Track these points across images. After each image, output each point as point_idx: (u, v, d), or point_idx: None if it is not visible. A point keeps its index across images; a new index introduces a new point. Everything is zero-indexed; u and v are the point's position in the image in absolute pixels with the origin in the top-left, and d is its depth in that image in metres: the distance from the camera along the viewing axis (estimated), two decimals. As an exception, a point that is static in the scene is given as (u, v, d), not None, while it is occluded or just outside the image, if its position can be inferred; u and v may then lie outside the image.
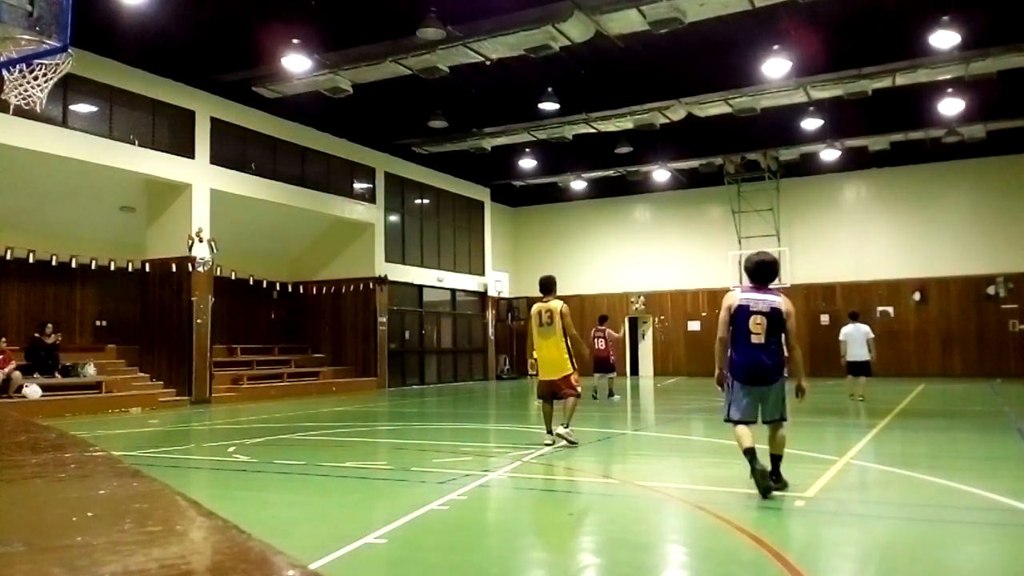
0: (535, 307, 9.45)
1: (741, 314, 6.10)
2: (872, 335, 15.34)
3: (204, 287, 18.01)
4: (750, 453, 5.97)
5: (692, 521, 5.71)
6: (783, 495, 6.12)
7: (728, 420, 6.22)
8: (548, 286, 9.55)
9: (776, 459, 6.21)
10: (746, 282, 6.40)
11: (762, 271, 6.28)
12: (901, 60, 17.34)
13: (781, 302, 6.22)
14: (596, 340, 16.24)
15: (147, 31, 15.09)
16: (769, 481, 5.95)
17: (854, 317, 15.72)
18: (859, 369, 15.20)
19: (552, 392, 9.29)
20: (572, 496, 6.85)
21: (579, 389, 9.24)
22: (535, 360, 9.39)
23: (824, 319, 26.21)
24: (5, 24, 5.28)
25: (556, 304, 9.26)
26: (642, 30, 15.36)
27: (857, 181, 26.50)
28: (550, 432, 9.14)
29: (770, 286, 6.34)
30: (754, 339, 6.07)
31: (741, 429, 6.10)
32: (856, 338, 15.16)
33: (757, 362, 6.10)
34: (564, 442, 8.96)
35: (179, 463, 9.00)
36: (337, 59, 16.62)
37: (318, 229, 23.08)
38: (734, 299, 6.19)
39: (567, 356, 9.12)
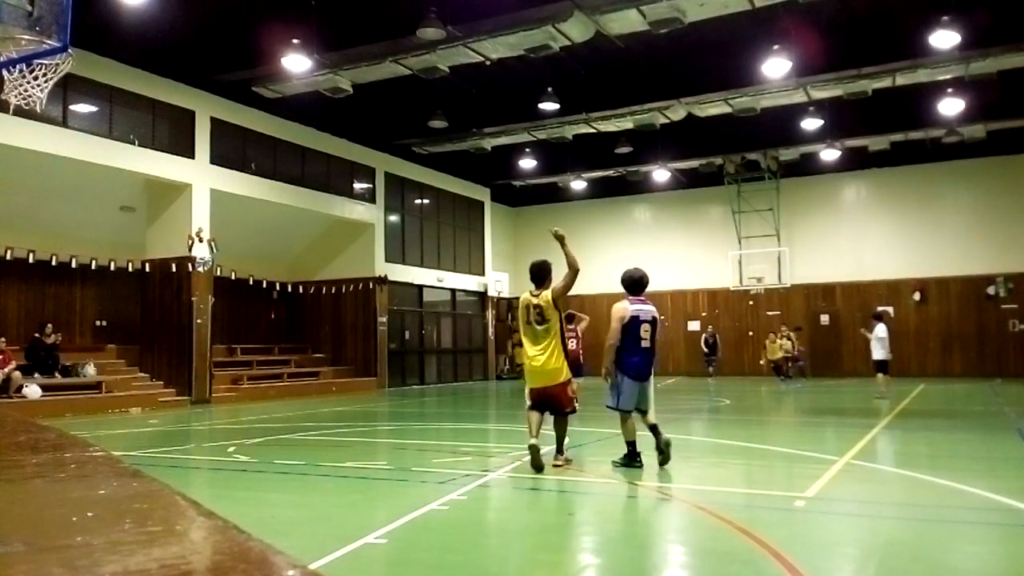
0: (523, 300, 7.67)
1: (633, 323, 7.50)
2: (883, 334, 15.99)
3: (204, 287, 18.01)
4: (634, 444, 7.48)
5: (692, 521, 5.71)
6: (784, 494, 6.11)
7: (617, 409, 7.60)
8: (541, 274, 7.68)
9: (655, 427, 7.63)
10: (628, 295, 7.77)
11: (640, 285, 7.81)
12: (901, 60, 17.34)
13: (655, 310, 7.85)
14: (567, 341, 15.61)
15: (147, 31, 15.08)
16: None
17: (879, 317, 16.41)
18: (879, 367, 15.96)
19: (546, 403, 7.59)
20: (572, 496, 6.85)
21: (576, 402, 7.68)
22: (524, 361, 7.77)
23: (824, 319, 26.22)
24: (5, 24, 5.28)
25: (547, 296, 7.51)
26: (642, 30, 15.36)
27: (857, 181, 26.49)
28: (535, 436, 7.47)
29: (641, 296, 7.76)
30: (643, 344, 7.57)
31: (630, 420, 7.55)
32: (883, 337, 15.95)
33: (645, 362, 7.66)
34: (561, 463, 7.57)
35: (179, 463, 9.00)
36: (337, 59, 16.62)
37: (318, 229, 23.08)
38: (626, 311, 7.56)
39: (564, 361, 7.51)
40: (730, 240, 27.20)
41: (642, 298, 7.67)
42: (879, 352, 15.83)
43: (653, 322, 7.58)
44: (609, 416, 8.03)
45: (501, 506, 6.67)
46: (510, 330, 24.35)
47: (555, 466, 7.45)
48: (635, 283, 7.68)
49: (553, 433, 7.70)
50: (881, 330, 15.89)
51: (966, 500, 6.18)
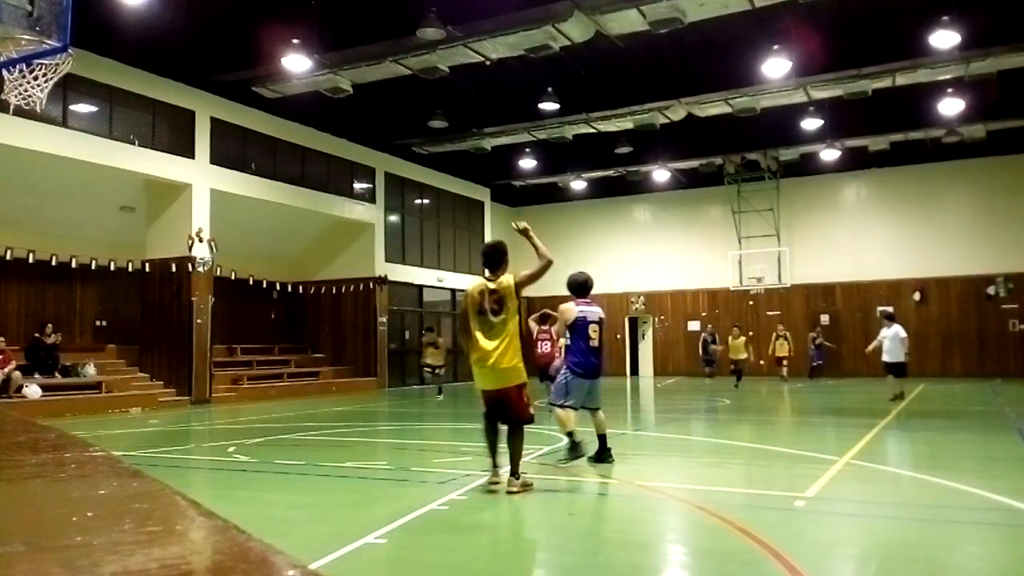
0: (475, 287, 6.56)
1: (581, 324, 7.50)
2: (904, 335, 15.32)
3: (204, 287, 18.01)
4: (574, 434, 7.49)
5: (692, 521, 5.71)
6: (784, 494, 6.11)
7: (564, 406, 7.53)
8: (496, 255, 6.65)
9: (604, 437, 7.74)
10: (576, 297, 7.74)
11: (585, 287, 7.80)
12: (901, 60, 17.33)
13: (602, 311, 7.81)
14: (541, 344, 13.98)
15: (147, 31, 15.08)
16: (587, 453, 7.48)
17: (893, 318, 15.84)
18: (895, 369, 15.19)
19: (498, 411, 6.53)
20: (572, 496, 6.85)
21: (532, 411, 6.58)
22: (475, 359, 6.50)
23: (824, 319, 26.22)
24: (5, 24, 5.28)
25: (509, 280, 6.47)
26: (642, 30, 15.36)
27: (857, 181, 26.49)
28: (496, 466, 6.58)
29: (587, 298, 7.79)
30: (592, 343, 7.52)
31: (572, 413, 7.53)
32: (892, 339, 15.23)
33: (594, 361, 7.59)
34: (517, 489, 6.37)
35: (179, 463, 9.00)
36: (337, 59, 16.62)
37: (318, 229, 23.08)
38: (573, 313, 7.55)
39: (520, 360, 6.42)
40: (730, 240, 27.20)
41: (588, 300, 7.74)
42: (901, 354, 14.97)
43: (600, 323, 7.67)
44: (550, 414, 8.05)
45: (501, 506, 6.67)
46: (420, 330, 23.37)
47: (510, 492, 6.31)
48: (580, 286, 7.78)
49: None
50: (900, 331, 15.27)
51: (966, 500, 6.17)
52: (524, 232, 6.60)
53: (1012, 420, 12.30)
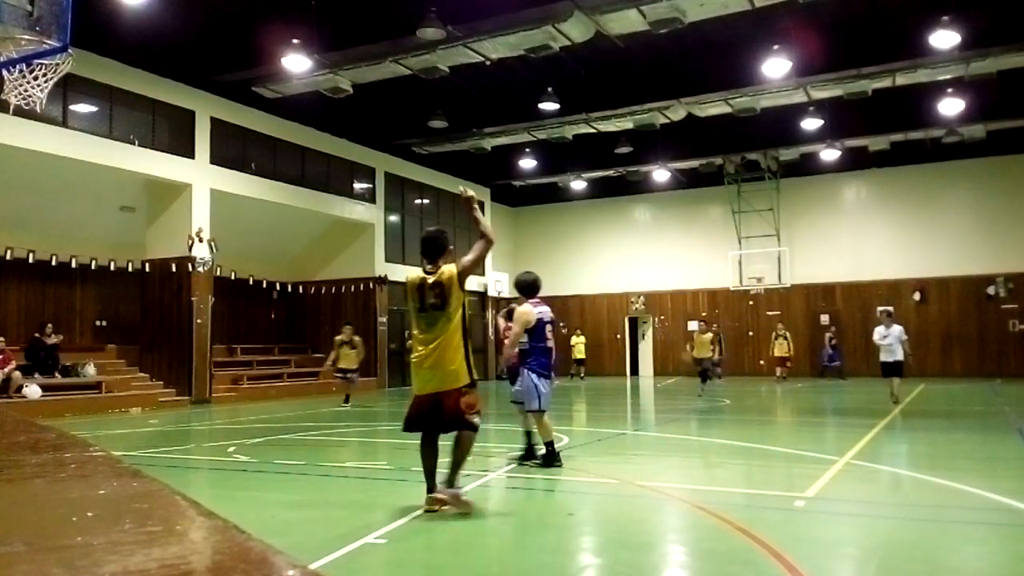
0: (413, 279, 5.82)
1: (539, 325, 7.47)
2: (905, 336, 14.86)
3: (204, 287, 18.01)
4: (553, 443, 7.53)
5: (692, 521, 5.71)
6: (784, 494, 6.11)
7: (541, 410, 7.46)
8: (437, 245, 5.87)
9: (531, 434, 7.77)
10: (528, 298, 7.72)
11: (535, 288, 7.79)
12: (901, 60, 17.33)
13: (550, 310, 7.80)
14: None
15: (147, 31, 15.09)
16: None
17: (890, 315, 15.50)
18: (893, 370, 14.72)
19: (435, 418, 5.68)
20: (572, 496, 6.85)
21: (478, 418, 5.75)
22: (413, 360, 5.78)
23: (824, 319, 26.22)
24: (5, 24, 5.28)
25: (451, 269, 5.69)
26: (642, 30, 15.36)
27: (857, 181, 26.49)
28: (432, 490, 5.71)
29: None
30: (549, 343, 7.57)
31: (546, 419, 7.50)
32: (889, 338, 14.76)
33: (550, 361, 7.60)
34: (448, 507, 5.63)
35: (179, 463, 9.00)
36: (337, 59, 16.62)
37: (318, 229, 23.07)
38: (532, 314, 7.50)
39: (463, 357, 5.63)
40: (730, 240, 27.20)
41: (538, 300, 7.75)
42: (902, 353, 14.54)
43: (553, 323, 7.71)
44: (518, 415, 8.06)
45: (501, 506, 6.67)
46: (333, 328, 23.37)
47: (428, 511, 5.56)
48: (529, 286, 7.76)
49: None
50: (902, 331, 14.81)
51: (966, 500, 6.17)
52: (468, 203, 5.75)
53: (1012, 420, 12.30)
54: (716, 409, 15.33)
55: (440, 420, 5.65)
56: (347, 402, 16.01)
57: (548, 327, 7.57)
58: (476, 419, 5.68)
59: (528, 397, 7.52)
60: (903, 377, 14.85)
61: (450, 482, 5.70)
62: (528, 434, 7.83)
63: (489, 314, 28.81)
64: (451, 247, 5.86)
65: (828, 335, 24.62)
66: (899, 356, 14.48)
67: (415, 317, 5.77)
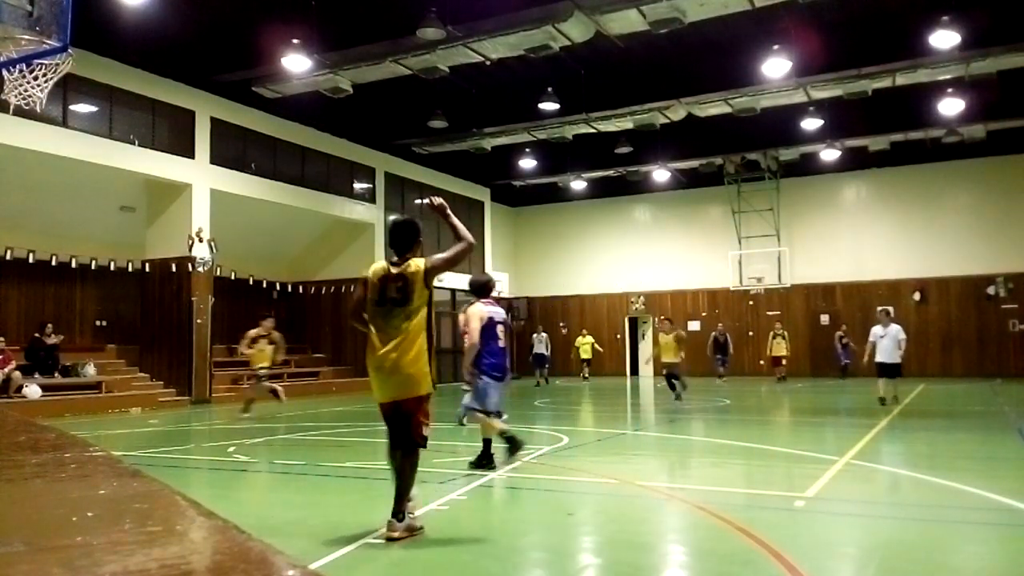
0: (376, 270, 5.28)
1: (490, 325, 7.34)
2: (903, 336, 14.39)
3: (204, 287, 18.01)
4: (506, 431, 7.09)
5: (692, 521, 5.71)
6: (784, 494, 6.11)
7: (485, 412, 7.26)
8: (408, 235, 5.34)
9: (490, 442, 7.51)
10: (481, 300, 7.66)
11: (487, 288, 7.78)
12: (901, 60, 17.33)
13: (503, 311, 7.76)
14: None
15: (147, 31, 15.08)
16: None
17: (888, 314, 14.99)
18: (889, 371, 14.33)
19: (399, 428, 5.12)
20: (572, 496, 6.85)
21: (428, 432, 5.13)
22: (371, 363, 5.14)
23: (824, 319, 26.22)
24: (5, 24, 5.28)
25: (419, 264, 5.14)
26: (642, 30, 15.36)
27: (857, 181, 26.49)
28: (399, 516, 4.94)
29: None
30: (502, 343, 7.43)
31: (496, 419, 7.24)
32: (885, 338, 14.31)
33: (503, 362, 7.45)
34: (399, 534, 4.90)
35: (179, 463, 9.00)
36: (337, 59, 16.62)
37: (318, 229, 23.07)
38: (484, 313, 7.38)
39: (426, 362, 5.05)
40: (730, 240, 27.20)
41: (491, 300, 7.71)
42: (896, 354, 14.16)
43: (505, 323, 7.61)
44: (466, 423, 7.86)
45: (501, 506, 6.67)
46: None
47: (390, 539, 4.87)
48: (482, 286, 7.79)
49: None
50: (900, 331, 14.39)
51: (966, 500, 6.17)
52: (440, 211, 5.38)
53: (1012, 420, 12.30)
54: (716, 409, 15.33)
55: (399, 432, 5.06)
56: (247, 412, 13.39)
57: (500, 327, 7.46)
58: (427, 433, 5.09)
59: (477, 397, 7.38)
60: (899, 378, 14.54)
61: (399, 514, 4.93)
62: (488, 442, 7.57)
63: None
64: (421, 239, 5.33)
65: (839, 333, 24.42)
66: (896, 357, 14.14)
67: (371, 311, 5.13)
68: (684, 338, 20.97)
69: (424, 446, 5.10)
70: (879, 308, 16.04)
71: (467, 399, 7.54)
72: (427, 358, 5.06)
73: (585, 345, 26.08)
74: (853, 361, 23.93)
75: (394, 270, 5.15)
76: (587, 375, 26.10)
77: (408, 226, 5.39)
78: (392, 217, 5.64)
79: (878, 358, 14.33)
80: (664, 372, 16.11)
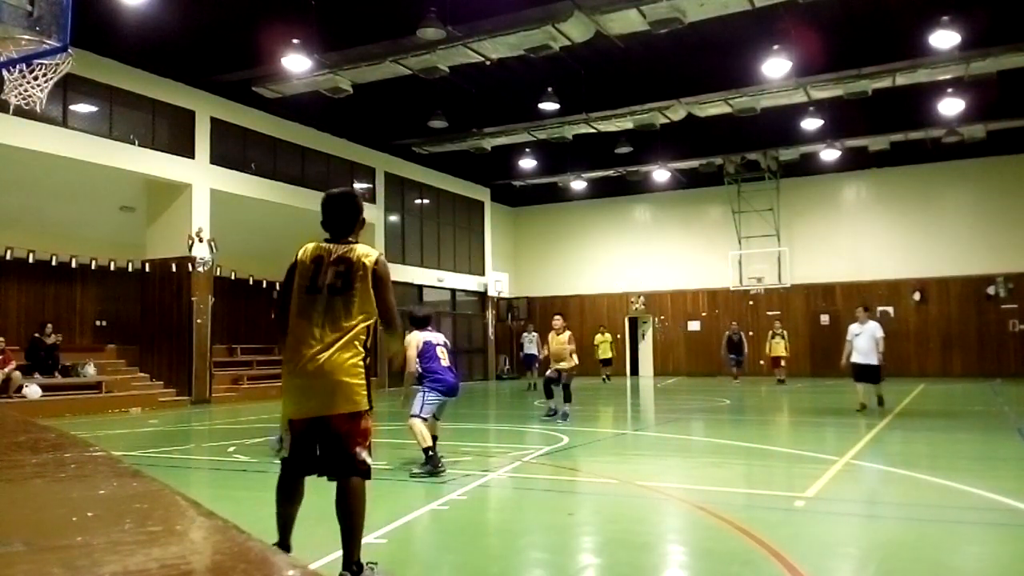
0: (310, 250, 4.39)
1: (428, 348, 7.89)
2: (881, 334, 13.37)
3: (204, 287, 18.01)
4: (430, 448, 7.56)
5: (692, 521, 5.71)
6: (784, 494, 6.11)
7: (418, 416, 7.66)
8: (345, 210, 4.61)
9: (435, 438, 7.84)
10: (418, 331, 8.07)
11: (425, 320, 8.30)
12: (901, 60, 17.34)
13: (443, 337, 8.34)
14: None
15: (147, 31, 15.09)
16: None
17: (866, 309, 14.04)
18: (867, 374, 13.19)
19: (312, 454, 4.09)
20: (572, 496, 6.85)
21: (370, 457, 4.07)
22: (291, 364, 4.04)
23: (824, 319, 26.22)
24: (5, 24, 5.28)
25: (368, 254, 4.24)
26: (642, 30, 15.36)
27: (857, 181, 26.50)
28: (287, 547, 4.17)
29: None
30: (444, 362, 7.91)
31: (425, 425, 7.67)
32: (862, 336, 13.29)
33: (450, 379, 7.90)
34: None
35: (179, 463, 9.00)
36: (337, 59, 16.62)
37: (318, 229, 23.02)
38: (418, 339, 7.95)
39: (363, 369, 3.99)
40: (730, 240, 27.20)
41: (429, 329, 8.28)
42: (874, 355, 13.11)
43: (445, 345, 8.19)
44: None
45: (501, 506, 6.67)
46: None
47: None
48: (421, 320, 8.38)
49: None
50: (878, 329, 13.49)
51: (966, 500, 6.17)
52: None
53: (1012, 420, 12.30)
54: (716, 409, 15.33)
55: (324, 456, 3.98)
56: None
57: (440, 348, 7.99)
58: (369, 459, 3.99)
59: (413, 404, 7.84)
60: (874, 383, 13.21)
61: (353, 564, 3.94)
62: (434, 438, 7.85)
63: (489, 314, 28.83)
64: (364, 217, 4.50)
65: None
66: (874, 359, 13.03)
67: (297, 301, 4.06)
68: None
69: (368, 474, 3.98)
70: (879, 309, 15.83)
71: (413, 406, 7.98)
72: (366, 369, 4.02)
73: (604, 344, 24.66)
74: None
75: (337, 251, 4.20)
76: (608, 376, 24.65)
77: (348, 200, 4.49)
78: (329, 191, 4.71)
79: (854, 359, 13.26)
80: (548, 376, 13.57)
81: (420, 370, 7.81)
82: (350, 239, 4.35)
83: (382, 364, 23.20)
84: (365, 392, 3.97)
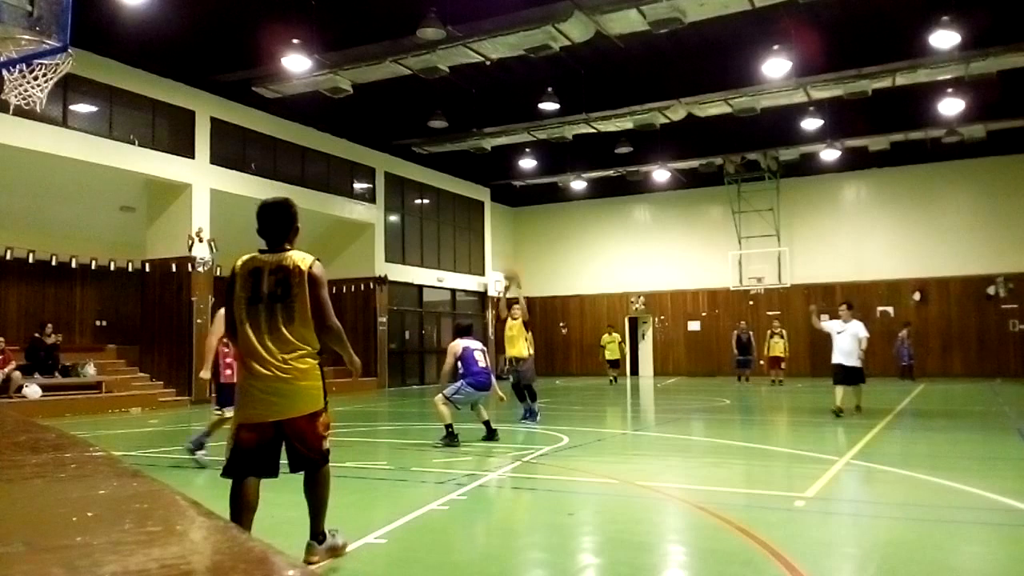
0: (247, 262, 4.34)
1: (467, 352, 9.88)
2: (864, 334, 12.82)
3: (204, 287, 18.01)
4: (451, 426, 9.51)
5: (692, 521, 5.71)
6: (784, 494, 6.10)
7: (450, 399, 9.72)
8: (281, 218, 4.43)
9: (488, 422, 10.00)
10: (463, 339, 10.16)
11: (468, 330, 10.44)
12: (901, 60, 17.33)
13: (482, 344, 10.45)
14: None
15: (147, 31, 15.09)
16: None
17: (849, 307, 13.36)
18: (848, 376, 12.59)
19: (274, 456, 4.29)
20: (572, 496, 6.85)
21: (328, 444, 4.44)
22: (251, 371, 4.18)
23: (824, 319, 26.17)
24: (5, 24, 5.28)
25: (303, 259, 4.28)
26: (642, 30, 15.37)
27: (857, 181, 26.50)
28: (319, 538, 4.46)
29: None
30: (480, 364, 9.88)
31: (449, 408, 9.67)
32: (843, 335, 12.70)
33: (483, 378, 9.83)
34: (318, 557, 4.39)
35: (179, 463, 8.99)
36: (337, 59, 16.62)
37: (318, 229, 23.04)
38: (459, 346, 9.97)
39: (318, 370, 4.32)
40: (730, 240, 27.21)
41: (471, 337, 10.30)
42: (856, 357, 12.55)
43: (483, 349, 10.13)
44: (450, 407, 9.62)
45: (501, 506, 6.68)
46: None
47: (309, 563, 4.27)
48: (464, 329, 10.46)
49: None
50: (861, 329, 12.91)
51: (966, 500, 6.17)
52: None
53: (1012, 420, 12.31)
54: (716, 409, 15.34)
55: (292, 454, 4.29)
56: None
57: (478, 353, 9.95)
58: (327, 446, 4.40)
59: (450, 391, 9.80)
60: (854, 384, 12.63)
61: (320, 534, 4.40)
62: (487, 422, 9.91)
63: (489, 314, 28.83)
64: (299, 225, 4.46)
65: (902, 334, 23.47)
66: (856, 360, 12.47)
67: (244, 313, 4.22)
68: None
69: (326, 460, 4.39)
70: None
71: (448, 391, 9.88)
72: (319, 366, 4.31)
73: (612, 344, 24.29)
74: (914, 361, 23.44)
75: (274, 261, 4.26)
76: (615, 378, 24.29)
77: (283, 209, 4.46)
78: (264, 200, 4.56)
79: (835, 359, 12.68)
80: (507, 370, 12.81)
81: (460, 369, 9.79)
82: (286, 246, 4.40)
83: (382, 364, 23.25)
84: (322, 391, 4.33)
